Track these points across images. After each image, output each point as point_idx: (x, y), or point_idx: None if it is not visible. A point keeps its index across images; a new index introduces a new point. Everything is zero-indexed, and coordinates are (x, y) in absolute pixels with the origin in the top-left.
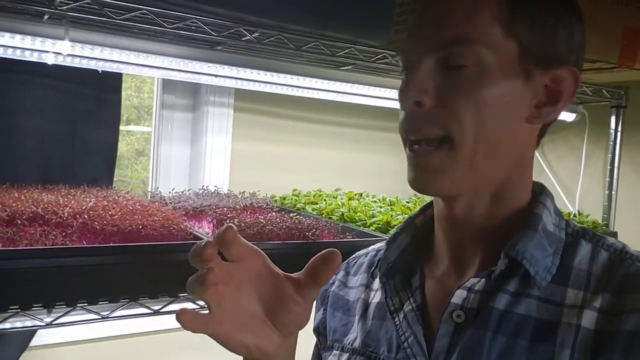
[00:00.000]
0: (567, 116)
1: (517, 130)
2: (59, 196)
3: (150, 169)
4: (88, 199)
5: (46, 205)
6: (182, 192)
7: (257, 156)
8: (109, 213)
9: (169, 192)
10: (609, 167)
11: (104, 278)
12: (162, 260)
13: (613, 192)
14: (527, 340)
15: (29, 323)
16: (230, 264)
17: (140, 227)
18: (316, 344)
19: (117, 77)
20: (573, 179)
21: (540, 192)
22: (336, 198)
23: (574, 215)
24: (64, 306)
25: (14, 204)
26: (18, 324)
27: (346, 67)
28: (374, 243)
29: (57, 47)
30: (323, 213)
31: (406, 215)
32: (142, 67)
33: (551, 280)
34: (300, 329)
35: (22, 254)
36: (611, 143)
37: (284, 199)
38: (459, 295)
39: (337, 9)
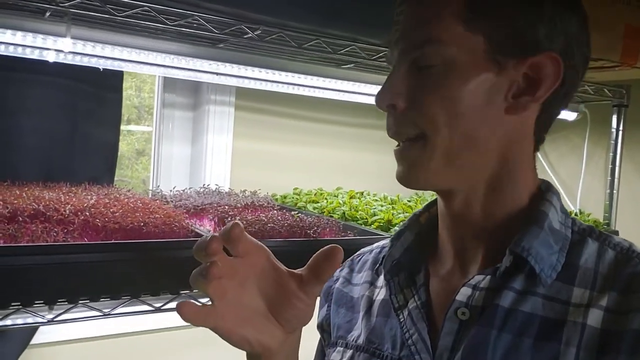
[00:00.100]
0: (568, 115)
1: (496, 122)
2: (60, 194)
3: (151, 168)
4: (89, 197)
5: (47, 203)
6: (184, 190)
7: (258, 155)
8: (111, 210)
9: (170, 191)
10: (610, 166)
11: (106, 275)
12: (164, 258)
13: (614, 191)
14: (532, 338)
15: (30, 320)
16: (234, 259)
17: (142, 224)
18: (320, 341)
19: (118, 77)
20: (574, 178)
21: (546, 190)
22: (337, 197)
23: (575, 214)
24: (66, 303)
25: (15, 201)
26: (19, 321)
27: (348, 65)
28: (375, 241)
29: (59, 44)
30: (324, 211)
31: (408, 214)
32: (143, 65)
33: (557, 278)
34: (304, 325)
35: (23, 250)
36: (612, 142)
37: (285, 197)
38: (463, 293)
39: (338, 7)
